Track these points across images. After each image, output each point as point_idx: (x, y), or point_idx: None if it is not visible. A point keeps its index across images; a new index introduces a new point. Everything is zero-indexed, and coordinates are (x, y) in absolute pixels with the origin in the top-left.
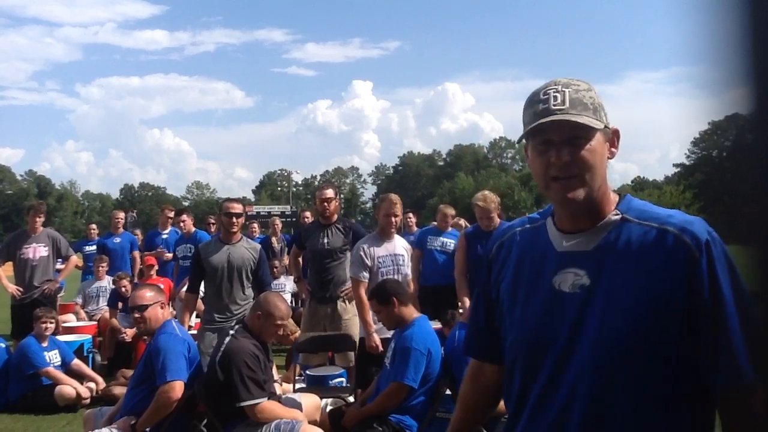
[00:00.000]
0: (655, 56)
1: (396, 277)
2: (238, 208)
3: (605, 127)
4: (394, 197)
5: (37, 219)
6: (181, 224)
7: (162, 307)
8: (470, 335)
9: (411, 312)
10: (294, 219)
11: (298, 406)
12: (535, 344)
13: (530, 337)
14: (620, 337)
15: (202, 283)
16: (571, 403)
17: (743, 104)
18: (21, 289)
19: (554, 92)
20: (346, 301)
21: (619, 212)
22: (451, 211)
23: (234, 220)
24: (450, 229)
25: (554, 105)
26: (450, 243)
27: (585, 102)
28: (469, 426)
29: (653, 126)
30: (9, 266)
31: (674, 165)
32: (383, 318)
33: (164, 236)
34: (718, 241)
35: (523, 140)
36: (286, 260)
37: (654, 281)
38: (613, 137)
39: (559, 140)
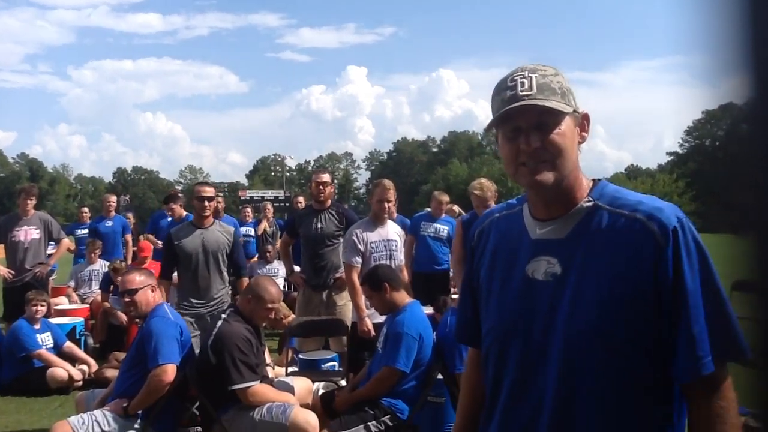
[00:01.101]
0: (650, 45)
1: (389, 262)
2: (209, 191)
3: (574, 111)
4: (388, 183)
5: (29, 201)
6: (169, 213)
7: (152, 290)
8: (460, 323)
9: (403, 297)
10: (287, 204)
11: (290, 389)
12: (507, 332)
13: (503, 326)
14: (588, 326)
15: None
16: (543, 391)
17: (739, 94)
18: (12, 272)
19: (521, 78)
20: (338, 290)
21: (591, 199)
22: (445, 198)
23: (206, 203)
24: (443, 215)
25: (521, 91)
26: (443, 229)
27: (552, 87)
28: (475, 423)
29: (647, 115)
30: (0, 249)
31: (667, 153)
32: (375, 303)
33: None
34: (688, 229)
35: (493, 129)
36: (278, 245)
37: (622, 270)
38: (583, 121)
39: (527, 126)
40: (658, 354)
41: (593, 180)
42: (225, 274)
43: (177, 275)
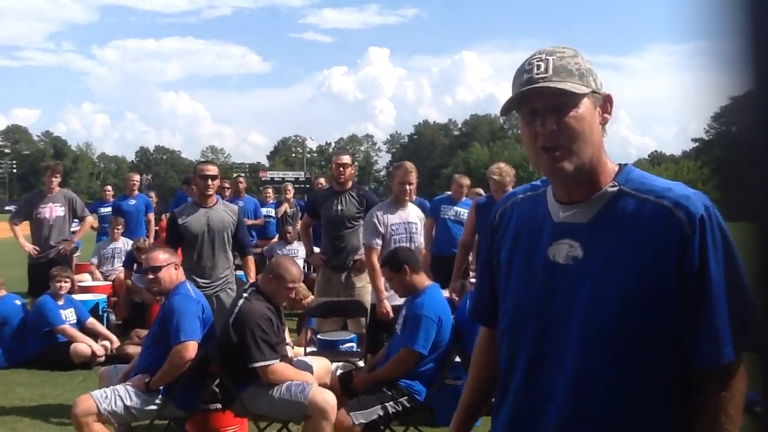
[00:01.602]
0: (677, 29)
1: (409, 245)
2: (212, 170)
3: (593, 92)
4: (409, 165)
5: (54, 179)
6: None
7: (176, 268)
8: (476, 302)
9: (423, 280)
10: (308, 186)
11: (309, 368)
12: (525, 314)
13: (521, 307)
14: (611, 317)
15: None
16: (556, 375)
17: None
18: (37, 248)
19: (538, 61)
20: (358, 272)
21: (616, 184)
22: (465, 181)
23: (209, 182)
24: (464, 198)
25: (537, 74)
26: (464, 213)
27: (570, 68)
28: (483, 398)
29: (672, 100)
30: (26, 225)
31: (693, 140)
32: (395, 285)
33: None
34: (715, 217)
35: (514, 113)
36: (299, 225)
37: (649, 262)
38: (605, 103)
39: (543, 108)
40: (678, 342)
41: (619, 165)
42: (230, 253)
43: (181, 255)
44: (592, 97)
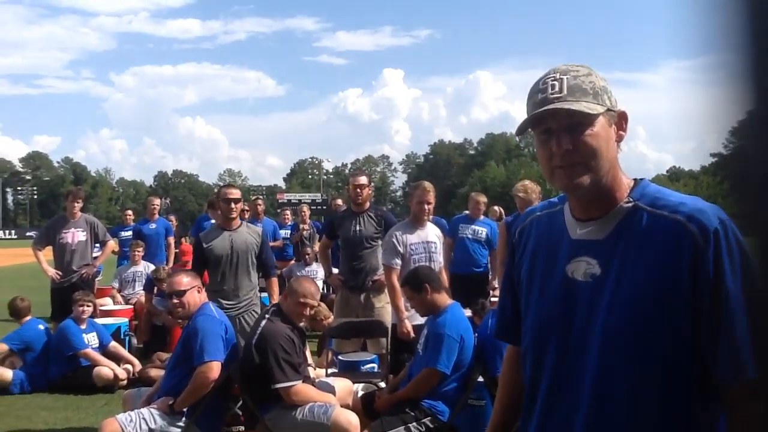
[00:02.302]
0: (690, 43)
1: (428, 264)
2: (235, 193)
3: (608, 110)
4: (428, 185)
5: (76, 204)
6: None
7: (199, 291)
8: (500, 320)
9: (444, 299)
10: (324, 207)
11: (331, 390)
12: (546, 331)
13: (542, 325)
14: (626, 326)
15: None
16: (580, 389)
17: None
18: (60, 272)
19: (552, 81)
20: (377, 293)
21: (631, 200)
22: (483, 199)
23: (233, 205)
24: (482, 217)
25: (551, 94)
26: (482, 231)
27: (584, 87)
28: (512, 416)
29: (689, 115)
30: (48, 251)
31: (711, 155)
32: (416, 305)
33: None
34: (731, 231)
35: (530, 131)
36: (317, 246)
37: (660, 271)
38: (620, 120)
39: (558, 128)
40: (696, 357)
41: (635, 180)
42: (254, 275)
43: (207, 277)
44: (607, 115)
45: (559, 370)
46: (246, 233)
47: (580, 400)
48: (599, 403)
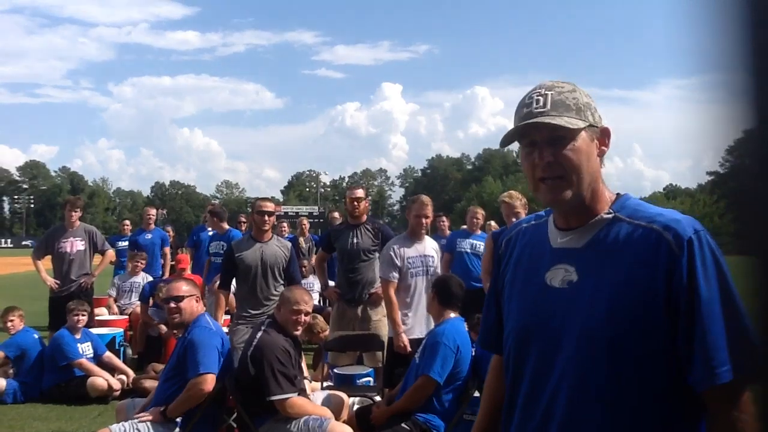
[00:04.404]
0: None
1: (426, 278)
2: (270, 206)
3: (591, 125)
4: (426, 198)
5: (74, 213)
6: (210, 226)
7: (197, 301)
8: (483, 329)
9: (448, 313)
10: (321, 220)
11: (326, 403)
12: (525, 338)
13: (521, 331)
14: (600, 331)
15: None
16: (555, 394)
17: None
18: (58, 282)
19: (537, 96)
20: (373, 306)
21: (612, 211)
22: (480, 211)
23: (266, 218)
24: (479, 232)
25: (536, 108)
26: (480, 245)
27: (567, 103)
28: (496, 422)
29: (686, 133)
30: (47, 260)
31: (708, 173)
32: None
33: (209, 233)
34: (705, 241)
35: (517, 144)
36: (314, 260)
37: (636, 278)
38: (602, 136)
39: (542, 141)
40: (672, 362)
41: (617, 194)
42: (280, 287)
43: (236, 286)
44: (589, 130)
45: (538, 375)
46: (276, 246)
47: (556, 403)
48: (574, 407)
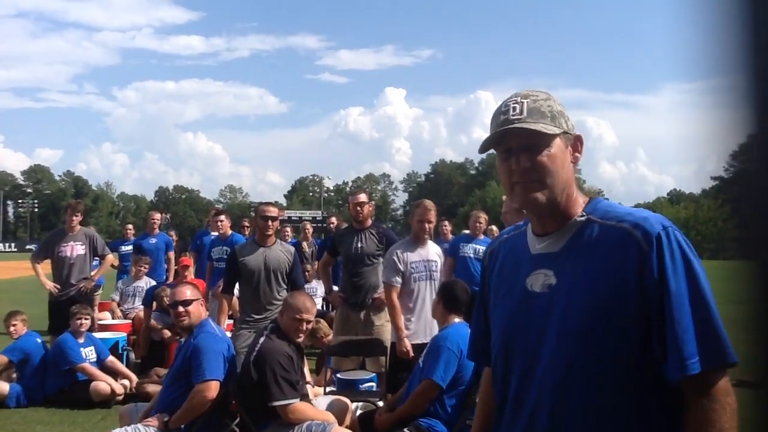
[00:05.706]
0: (691, 67)
1: (429, 283)
2: (273, 211)
3: (565, 132)
4: (429, 203)
5: (75, 218)
6: (219, 224)
7: (202, 305)
8: (471, 341)
9: (452, 318)
10: (324, 224)
11: (329, 408)
12: (509, 345)
13: (505, 338)
14: (577, 329)
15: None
16: (539, 396)
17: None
18: (58, 286)
19: (513, 103)
20: (377, 311)
21: (584, 213)
22: (483, 215)
23: (270, 223)
24: (482, 236)
25: (512, 115)
26: (482, 250)
27: (542, 111)
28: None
29: (689, 137)
30: (47, 264)
31: (712, 178)
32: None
33: (212, 237)
34: (674, 236)
35: (491, 151)
36: (317, 264)
37: (608, 276)
38: (575, 142)
39: (517, 147)
40: (649, 357)
41: (590, 197)
42: (283, 292)
43: (239, 290)
44: (563, 137)
45: (524, 379)
46: (279, 251)
47: (541, 403)
48: (559, 405)
